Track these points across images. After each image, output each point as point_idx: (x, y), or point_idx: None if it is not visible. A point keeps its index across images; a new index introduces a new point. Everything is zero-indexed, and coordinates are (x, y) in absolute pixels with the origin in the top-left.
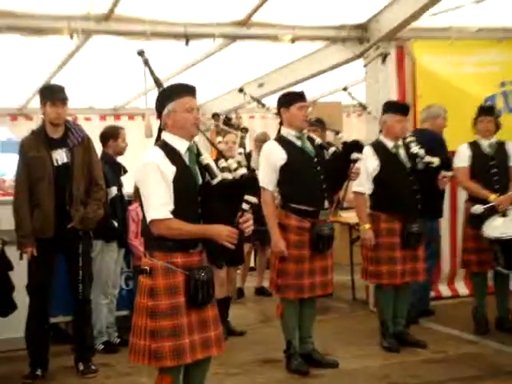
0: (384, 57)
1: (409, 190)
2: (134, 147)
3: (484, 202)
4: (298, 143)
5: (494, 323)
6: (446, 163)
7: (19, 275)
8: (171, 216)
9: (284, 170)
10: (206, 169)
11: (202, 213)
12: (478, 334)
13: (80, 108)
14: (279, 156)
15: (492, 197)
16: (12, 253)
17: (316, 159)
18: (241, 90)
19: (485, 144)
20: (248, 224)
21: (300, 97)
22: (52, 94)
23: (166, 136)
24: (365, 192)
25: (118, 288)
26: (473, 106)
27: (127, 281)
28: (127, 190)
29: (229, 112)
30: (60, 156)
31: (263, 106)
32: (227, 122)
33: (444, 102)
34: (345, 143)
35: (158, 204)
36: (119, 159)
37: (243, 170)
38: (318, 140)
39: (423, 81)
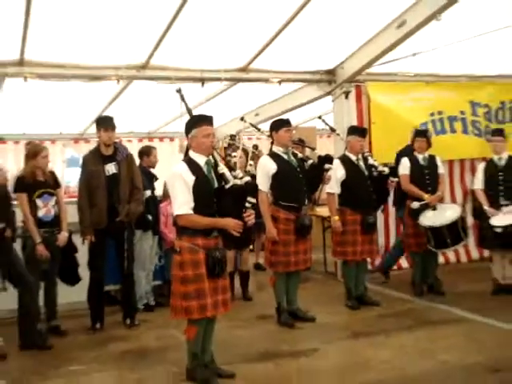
0: (347, 94)
1: (366, 191)
2: (163, 162)
3: (420, 199)
4: (285, 157)
5: (427, 288)
6: (393, 172)
7: (82, 256)
8: (191, 212)
9: (275, 177)
10: (221, 176)
11: (217, 209)
12: (416, 296)
13: (124, 132)
14: (271, 167)
15: (426, 196)
16: (76, 239)
17: (298, 169)
18: (242, 119)
19: (420, 157)
20: (250, 218)
21: (286, 123)
22: (105, 123)
23: (191, 153)
24: (334, 193)
25: (153, 265)
26: (410, 130)
27: (160, 259)
28: (158, 192)
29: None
30: (110, 168)
31: (259, 130)
32: (233, 139)
33: (390, 127)
34: (319, 157)
35: (181, 203)
36: (153, 170)
37: (247, 178)
38: (300, 155)
39: (375, 111)
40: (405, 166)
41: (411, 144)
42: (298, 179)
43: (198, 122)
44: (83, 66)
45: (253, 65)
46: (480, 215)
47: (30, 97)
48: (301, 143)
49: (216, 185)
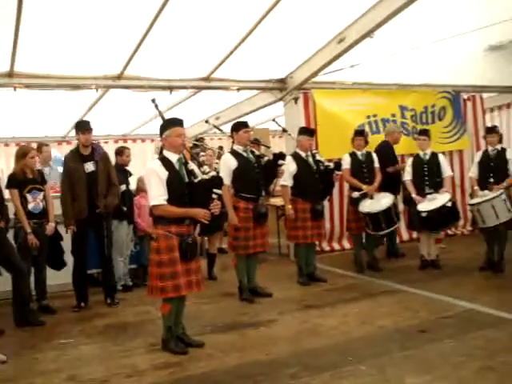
0: (296, 100)
1: (315, 183)
2: (136, 160)
3: (359, 190)
4: (245, 154)
5: (366, 265)
6: (338, 166)
7: (67, 244)
8: (165, 203)
9: (235, 171)
10: (191, 172)
11: (189, 200)
12: (357, 273)
13: (102, 135)
14: (232, 163)
15: (364, 187)
16: (62, 229)
17: (256, 164)
18: (206, 121)
19: (359, 154)
20: (216, 208)
21: (245, 125)
22: (82, 126)
23: (164, 152)
24: (288, 185)
25: (129, 250)
26: (351, 130)
27: (135, 245)
28: (133, 187)
29: (197, 136)
30: (89, 166)
31: (221, 131)
32: (202, 141)
33: (333, 128)
34: (274, 154)
35: (156, 195)
36: (128, 168)
37: (213, 173)
38: (257, 152)
39: (320, 114)
40: (346, 161)
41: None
42: (255, 174)
43: (170, 124)
44: (66, 76)
45: (215, 74)
46: (409, 202)
47: (18, 104)
48: (257, 142)
49: (187, 179)
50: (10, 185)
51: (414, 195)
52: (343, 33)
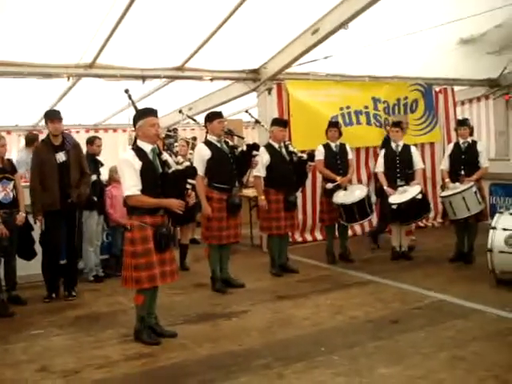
0: (269, 90)
1: (288, 174)
2: (107, 150)
3: (333, 181)
4: (218, 145)
5: (338, 256)
6: (311, 157)
7: (37, 234)
8: (139, 193)
9: (209, 162)
10: (164, 163)
11: (162, 191)
12: (329, 264)
13: (72, 124)
14: (206, 153)
15: (338, 178)
16: (32, 219)
17: (230, 155)
18: (180, 111)
19: (332, 145)
20: (191, 198)
21: (219, 115)
22: (51, 115)
23: (138, 142)
24: (261, 176)
25: (99, 240)
26: (324, 122)
27: (107, 236)
28: (104, 177)
29: (171, 126)
30: (60, 157)
31: (195, 121)
32: (175, 132)
33: (306, 119)
34: (248, 145)
35: (130, 185)
36: (99, 158)
37: (187, 163)
38: (231, 143)
39: (293, 105)
40: (320, 153)
41: (326, 132)
42: (229, 164)
43: (144, 113)
44: (37, 64)
45: (188, 64)
46: (381, 194)
47: None
48: (231, 133)
49: (160, 170)
50: None
51: (385, 187)
52: (317, 24)
